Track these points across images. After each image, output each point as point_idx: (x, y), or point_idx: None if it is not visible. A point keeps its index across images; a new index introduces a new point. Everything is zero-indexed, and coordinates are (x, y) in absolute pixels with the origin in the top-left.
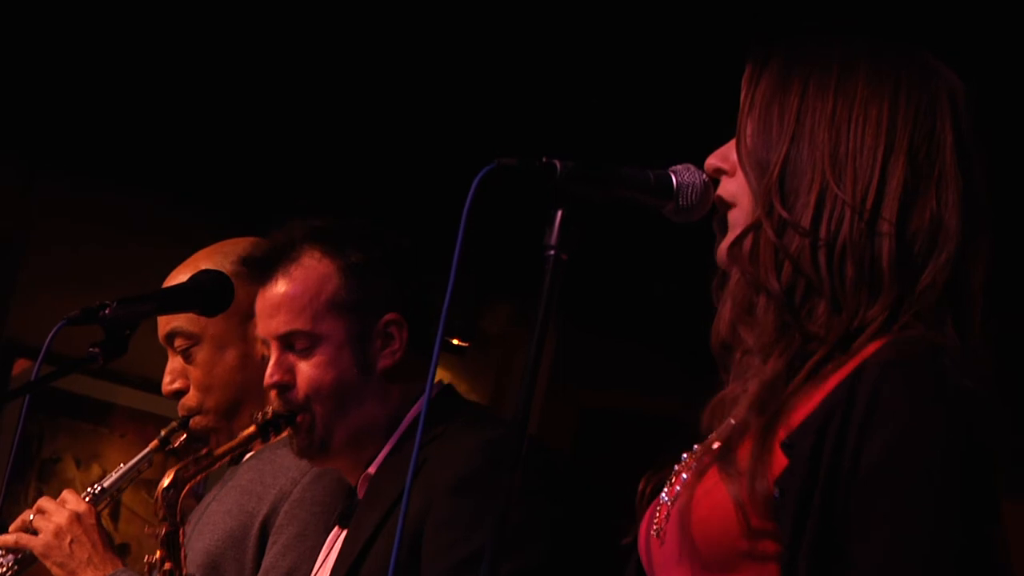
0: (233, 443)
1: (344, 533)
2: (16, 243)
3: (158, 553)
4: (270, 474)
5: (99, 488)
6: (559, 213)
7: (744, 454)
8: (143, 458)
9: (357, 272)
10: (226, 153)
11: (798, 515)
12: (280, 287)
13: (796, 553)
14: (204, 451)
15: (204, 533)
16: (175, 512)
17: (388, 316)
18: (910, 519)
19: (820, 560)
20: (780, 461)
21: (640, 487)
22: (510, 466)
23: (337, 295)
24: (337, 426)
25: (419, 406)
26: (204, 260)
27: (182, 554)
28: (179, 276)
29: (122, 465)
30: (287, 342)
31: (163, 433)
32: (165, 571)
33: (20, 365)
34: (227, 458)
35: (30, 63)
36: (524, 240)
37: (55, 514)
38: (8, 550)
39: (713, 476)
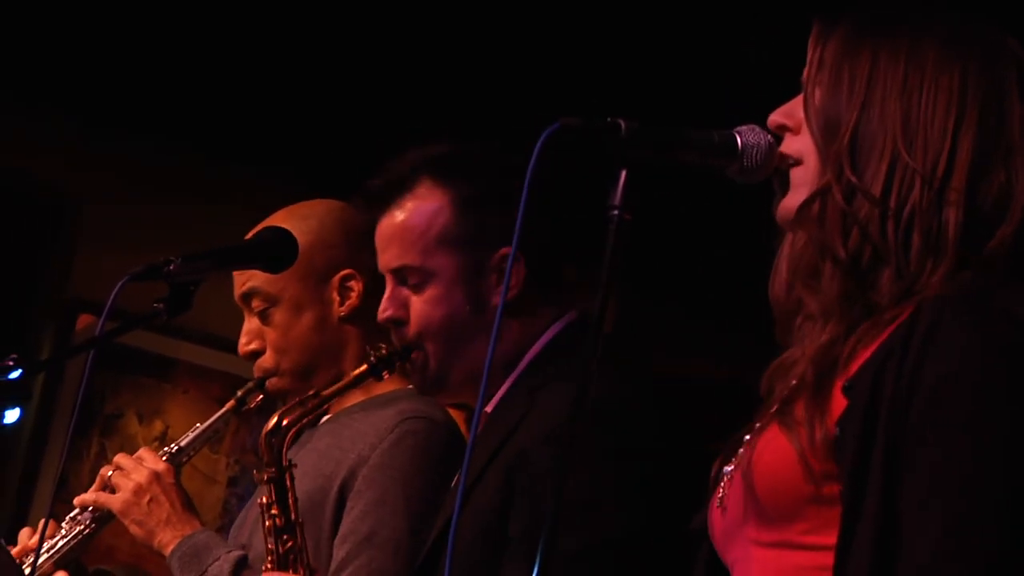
0: (343, 382)
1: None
2: (77, 200)
3: (263, 499)
4: (348, 439)
5: (175, 448)
6: (623, 173)
7: (801, 406)
8: (219, 419)
9: (470, 205)
10: (287, 112)
11: (860, 451)
12: (392, 219)
13: (860, 489)
14: (311, 391)
15: None
16: (280, 456)
17: (503, 250)
18: (964, 443)
19: (885, 495)
20: (840, 404)
21: (713, 472)
22: (571, 436)
23: (448, 229)
24: (452, 363)
25: (541, 344)
26: (279, 222)
27: (290, 499)
28: None
29: (198, 425)
30: (400, 276)
31: (239, 394)
32: (272, 515)
33: (83, 320)
34: (334, 399)
35: (83, 21)
36: (584, 202)
37: (134, 472)
38: (86, 508)
39: (773, 430)
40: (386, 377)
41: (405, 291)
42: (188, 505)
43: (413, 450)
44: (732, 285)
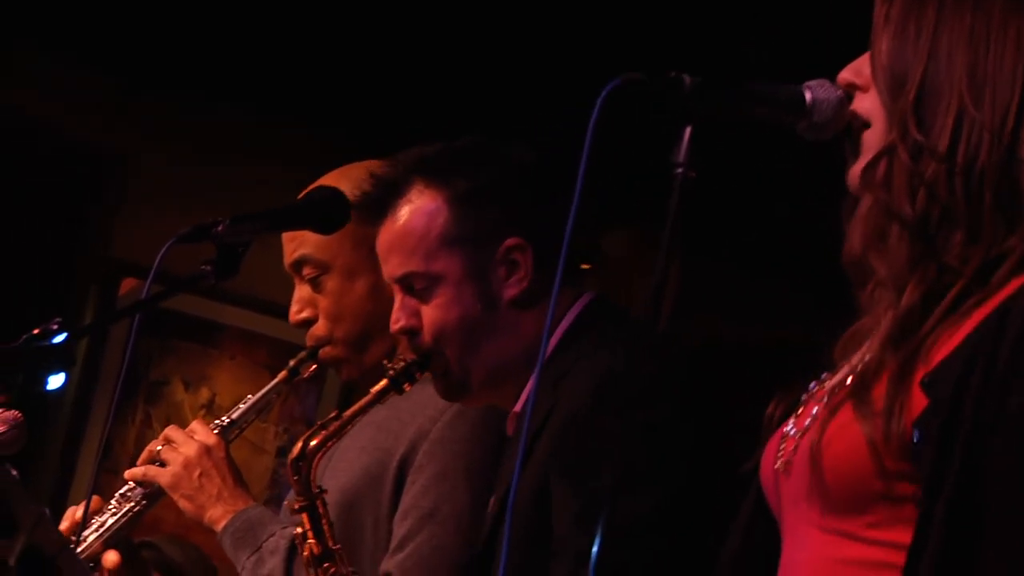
0: (364, 401)
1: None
2: (119, 162)
3: (298, 529)
4: (407, 411)
5: (227, 420)
6: (687, 130)
7: (879, 393)
8: (271, 390)
9: (467, 200)
10: (334, 69)
11: (938, 459)
12: (389, 227)
13: (935, 498)
14: (332, 413)
15: (339, 471)
16: (309, 483)
17: (509, 242)
18: None
19: (961, 506)
20: (919, 401)
21: (769, 410)
22: (622, 402)
23: (448, 229)
24: (472, 365)
25: (561, 331)
26: (331, 183)
27: (325, 525)
28: None
29: (249, 397)
30: (406, 284)
31: (292, 363)
32: (309, 544)
33: (127, 284)
34: (358, 419)
35: None
36: (645, 159)
37: (184, 445)
38: (137, 483)
39: (847, 413)
40: (407, 389)
41: (414, 299)
42: (240, 481)
43: (474, 423)
44: (797, 246)
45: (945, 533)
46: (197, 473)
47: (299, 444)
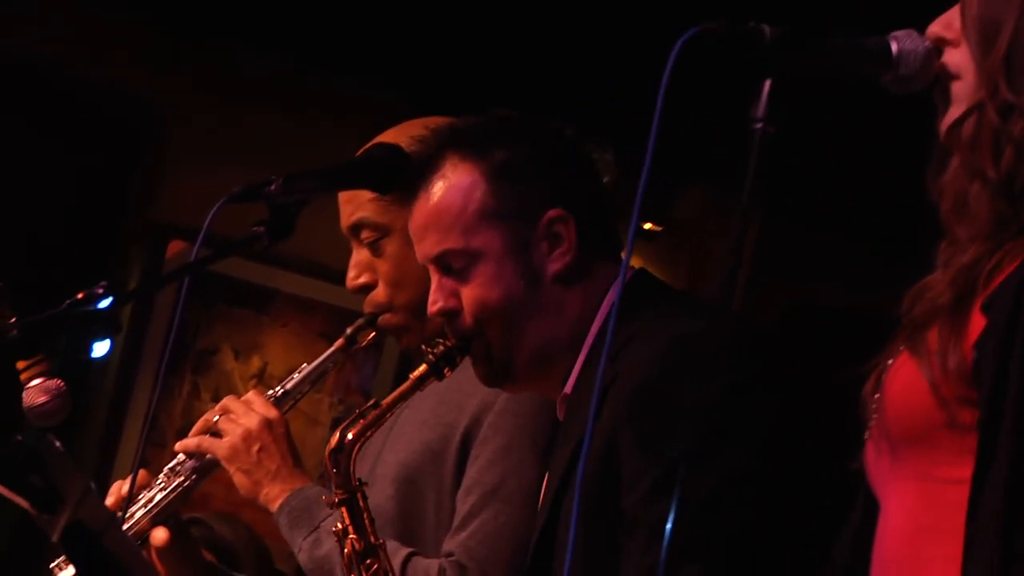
0: (402, 388)
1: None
2: (165, 119)
3: (337, 525)
4: (469, 382)
5: (281, 391)
6: (767, 83)
7: (934, 332)
8: (328, 359)
9: (505, 172)
10: (391, 21)
11: (997, 376)
12: (424, 205)
13: (996, 416)
14: (371, 401)
15: (397, 445)
16: (349, 476)
17: (551, 213)
18: None
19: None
20: (977, 325)
21: (866, 387)
22: (698, 366)
23: (486, 203)
24: (516, 347)
25: (607, 306)
26: (390, 140)
27: (366, 520)
28: None
29: (305, 366)
30: (444, 264)
31: (349, 331)
32: (350, 540)
33: (174, 247)
34: (396, 408)
35: None
36: (722, 115)
37: (243, 417)
38: (188, 455)
39: (904, 356)
40: (448, 375)
41: (452, 280)
42: (297, 459)
43: (540, 396)
44: (881, 205)
45: (1011, 449)
46: (257, 447)
47: (336, 436)
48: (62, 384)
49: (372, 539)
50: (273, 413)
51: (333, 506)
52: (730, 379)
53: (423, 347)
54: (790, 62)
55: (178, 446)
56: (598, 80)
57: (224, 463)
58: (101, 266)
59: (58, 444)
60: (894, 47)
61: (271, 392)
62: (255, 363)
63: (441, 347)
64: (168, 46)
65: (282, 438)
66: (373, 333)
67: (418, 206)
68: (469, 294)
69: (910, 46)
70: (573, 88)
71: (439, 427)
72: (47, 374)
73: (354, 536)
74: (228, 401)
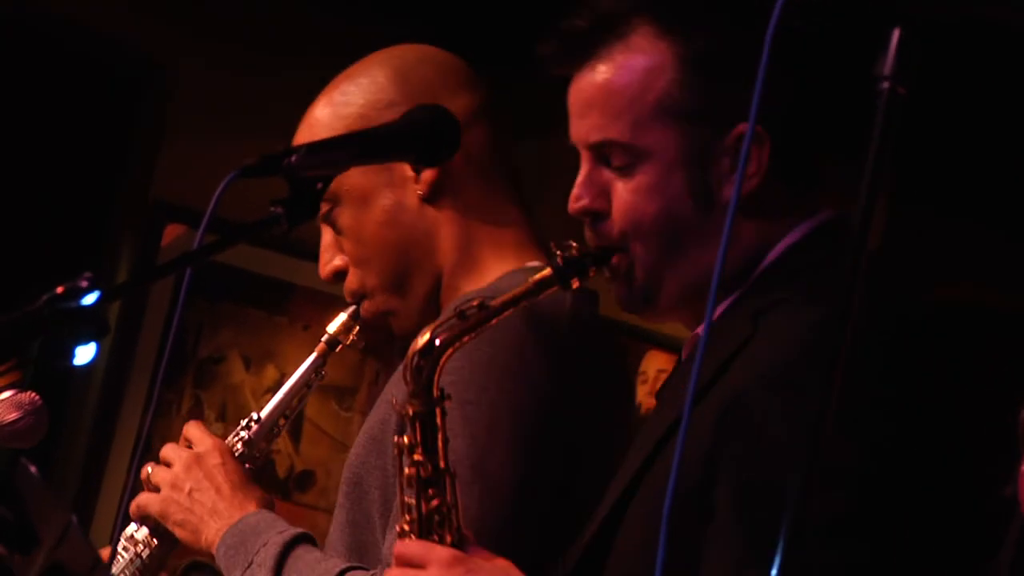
0: (516, 292)
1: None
2: (164, 77)
3: (406, 438)
4: None
5: (255, 420)
6: (895, 34)
7: None
8: (308, 370)
9: (702, 64)
10: None
11: None
12: (595, 75)
13: None
14: (475, 302)
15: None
16: (431, 385)
17: (742, 127)
18: None
19: None
20: None
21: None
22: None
23: (670, 95)
24: (665, 274)
25: (778, 251)
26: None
27: (439, 441)
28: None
29: (288, 378)
30: (601, 154)
31: (330, 332)
32: (415, 461)
33: (171, 232)
34: (507, 312)
35: None
36: (843, 72)
37: (176, 462)
38: (138, 520)
39: None
40: (575, 286)
41: (607, 174)
42: (243, 483)
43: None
44: None
45: None
46: (187, 490)
47: (424, 336)
48: (37, 397)
49: (442, 464)
50: (207, 444)
51: (406, 418)
52: (887, 392)
53: (551, 245)
54: (920, 11)
55: (130, 511)
56: None
57: (161, 522)
58: (85, 254)
59: (33, 469)
60: None
61: (243, 422)
62: (270, 373)
63: (575, 251)
64: None
65: (217, 469)
66: (357, 328)
67: (586, 76)
68: (623, 200)
69: None
70: None
71: (379, 409)
72: (19, 385)
73: (421, 458)
74: (165, 449)
